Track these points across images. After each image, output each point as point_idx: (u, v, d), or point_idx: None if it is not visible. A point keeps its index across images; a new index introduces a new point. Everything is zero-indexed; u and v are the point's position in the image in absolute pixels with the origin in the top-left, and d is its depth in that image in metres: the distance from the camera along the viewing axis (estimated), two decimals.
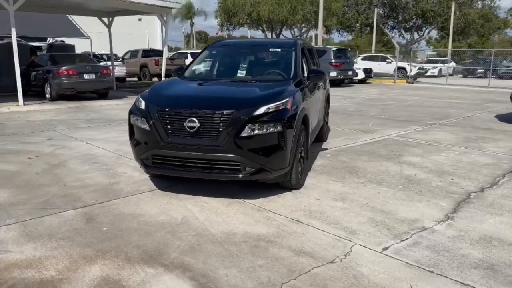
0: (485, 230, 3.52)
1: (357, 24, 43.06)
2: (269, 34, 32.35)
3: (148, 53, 22.50)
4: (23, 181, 4.75)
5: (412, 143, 7.03)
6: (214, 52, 5.69)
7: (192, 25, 55.95)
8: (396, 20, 41.97)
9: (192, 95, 4.37)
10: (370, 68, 23.31)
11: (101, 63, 18.53)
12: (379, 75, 26.08)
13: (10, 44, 15.35)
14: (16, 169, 5.21)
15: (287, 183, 4.35)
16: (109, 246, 3.17)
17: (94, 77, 12.59)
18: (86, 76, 12.45)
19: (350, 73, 20.23)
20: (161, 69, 16.08)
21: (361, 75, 22.48)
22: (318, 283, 2.68)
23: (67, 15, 19.52)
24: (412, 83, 22.78)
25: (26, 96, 13.72)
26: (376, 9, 39.26)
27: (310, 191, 4.47)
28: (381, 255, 3.07)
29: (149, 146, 4.09)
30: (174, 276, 2.74)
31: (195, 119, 3.86)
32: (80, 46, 23.74)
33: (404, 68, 24.89)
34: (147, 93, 4.43)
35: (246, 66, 5.34)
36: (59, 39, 19.42)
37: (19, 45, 15.04)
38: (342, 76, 19.77)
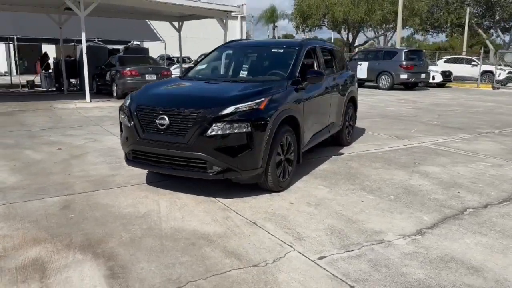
0: (451, 250, 3.15)
1: (448, 24, 40.13)
2: (345, 35, 31.60)
3: None
4: (38, 168, 5.26)
5: (444, 152, 6.45)
6: (221, 52, 5.77)
7: (274, 28, 56.66)
8: (492, 20, 38.38)
9: (170, 93, 4.50)
10: (449, 71, 21.63)
11: (174, 66, 19.64)
12: (463, 79, 24.12)
13: (92, 47, 17.00)
14: (40, 158, 5.78)
15: (264, 185, 4.29)
16: (63, 231, 3.41)
17: (155, 78, 13.40)
18: (147, 77, 13.30)
19: (423, 76, 18.98)
20: None
21: (438, 79, 21.00)
22: (224, 285, 2.63)
23: (146, 20, 20.99)
24: (498, 88, 20.67)
25: (100, 94, 15.11)
26: (468, 8, 36.28)
27: (290, 194, 4.35)
28: (312, 264, 2.91)
29: (130, 141, 4.31)
30: (95, 265, 2.88)
31: (165, 117, 3.98)
32: (157, 49, 25.33)
33: (491, 72, 22.69)
34: (136, 91, 4.66)
35: (247, 66, 5.35)
36: (135, 42, 21.03)
37: (98, 47, 16.62)
38: (413, 79, 18.60)
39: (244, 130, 3.89)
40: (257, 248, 3.14)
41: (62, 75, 16.07)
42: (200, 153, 3.88)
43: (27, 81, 17.65)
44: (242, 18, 42.01)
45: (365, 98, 15.08)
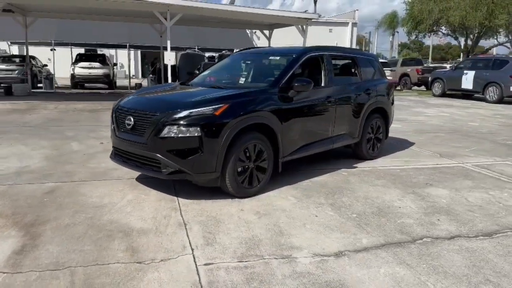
0: (351, 277, 2.88)
1: None
2: (463, 41, 28.71)
3: None
4: (66, 158, 6.05)
5: (478, 175, 5.66)
6: (231, 59, 5.93)
7: (393, 34, 54.18)
8: None
9: (145, 97, 4.81)
10: None
11: None
12: None
13: (188, 54, 18.43)
14: (77, 149, 6.62)
15: (225, 190, 4.34)
16: (26, 211, 3.95)
17: None
18: None
19: None
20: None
21: None
22: (93, 274, 2.83)
23: (245, 30, 22.03)
24: None
25: None
26: None
27: (250, 202, 4.34)
28: (192, 269, 2.95)
29: (112, 139, 4.75)
30: (16, 241, 3.30)
31: (131, 118, 4.32)
32: None
33: None
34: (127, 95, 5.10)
35: (246, 73, 5.44)
36: (233, 50, 22.26)
37: (194, 54, 17.99)
38: None
39: (196, 134, 4.02)
40: (160, 247, 3.27)
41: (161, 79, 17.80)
42: (155, 153, 4.13)
43: (136, 84, 19.90)
44: (353, 24, 40.96)
45: (456, 111, 13.70)
